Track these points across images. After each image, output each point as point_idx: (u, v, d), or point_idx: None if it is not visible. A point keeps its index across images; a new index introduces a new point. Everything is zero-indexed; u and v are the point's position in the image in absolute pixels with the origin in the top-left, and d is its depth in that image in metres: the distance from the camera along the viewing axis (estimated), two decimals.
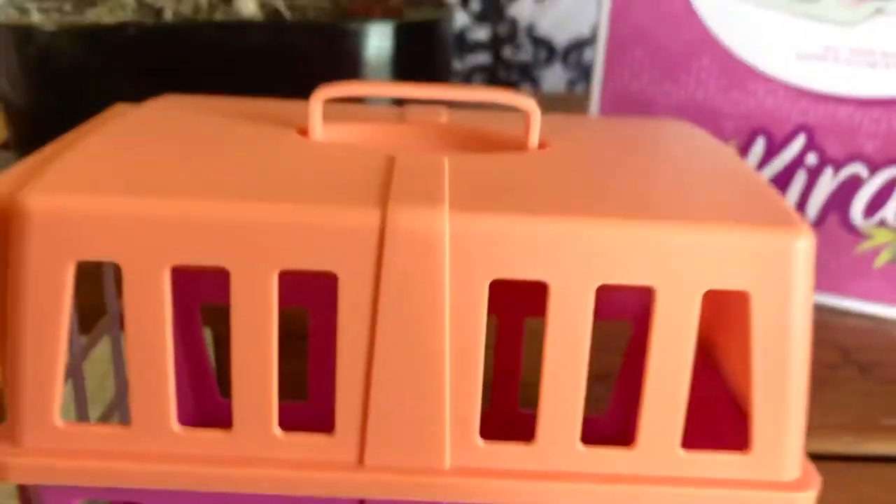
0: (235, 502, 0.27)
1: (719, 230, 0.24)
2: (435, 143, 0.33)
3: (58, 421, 0.26)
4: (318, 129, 0.31)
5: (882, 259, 0.56)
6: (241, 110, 0.34)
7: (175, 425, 0.26)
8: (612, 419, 0.40)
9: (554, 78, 1.03)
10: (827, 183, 0.56)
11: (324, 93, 0.30)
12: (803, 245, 0.25)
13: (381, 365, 0.25)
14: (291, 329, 0.41)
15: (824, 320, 0.57)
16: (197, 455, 0.26)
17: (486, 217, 0.24)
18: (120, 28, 0.62)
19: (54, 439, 0.26)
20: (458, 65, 1.01)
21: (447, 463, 0.26)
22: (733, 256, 0.24)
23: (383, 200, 0.25)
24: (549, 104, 0.41)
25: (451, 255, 0.24)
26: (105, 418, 0.34)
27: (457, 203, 0.25)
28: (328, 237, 0.24)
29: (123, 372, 0.36)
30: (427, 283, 0.24)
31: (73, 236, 0.24)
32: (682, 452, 0.26)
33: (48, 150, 0.28)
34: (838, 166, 0.55)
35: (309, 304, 0.39)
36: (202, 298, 0.40)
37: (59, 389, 0.25)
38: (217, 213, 0.24)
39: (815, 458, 0.42)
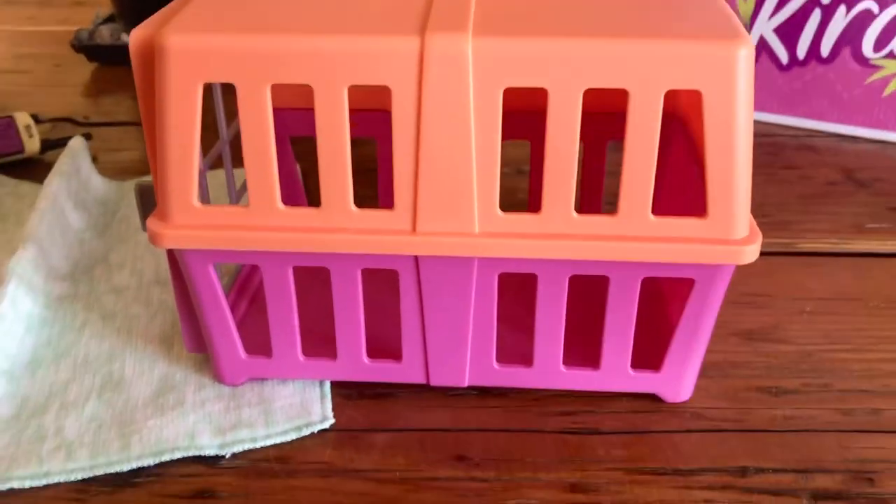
0: (323, 260, 0.37)
1: (677, 43, 0.32)
2: None
3: (196, 203, 0.36)
4: None
5: (891, 88, 0.62)
6: None
7: (280, 205, 0.35)
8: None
9: None
10: (840, 19, 0.61)
11: None
12: (744, 53, 0.32)
13: (425, 156, 0.34)
14: (362, 164, 0.51)
15: (833, 146, 0.63)
16: (295, 226, 0.36)
17: (498, 40, 0.32)
18: None
19: (193, 217, 0.36)
20: None
21: (476, 228, 0.35)
22: (688, 63, 0.32)
23: (422, 30, 0.33)
24: None
25: (474, 70, 0.33)
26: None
27: (478, 30, 0.33)
28: (382, 59, 0.33)
29: (232, 179, 0.46)
30: (456, 91, 0.33)
31: (199, 64, 0.33)
32: (652, 218, 0.34)
33: (175, 4, 0.37)
34: (851, 3, 0.60)
35: (377, 134, 0.48)
36: (291, 132, 0.49)
37: (195, 180, 0.35)
38: (303, 43, 0.33)
39: (802, 255, 0.51)
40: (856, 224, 0.54)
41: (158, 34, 0.33)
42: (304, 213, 0.36)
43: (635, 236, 0.35)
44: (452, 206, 0.35)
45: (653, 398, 0.40)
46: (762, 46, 0.64)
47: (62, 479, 0.37)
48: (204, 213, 0.36)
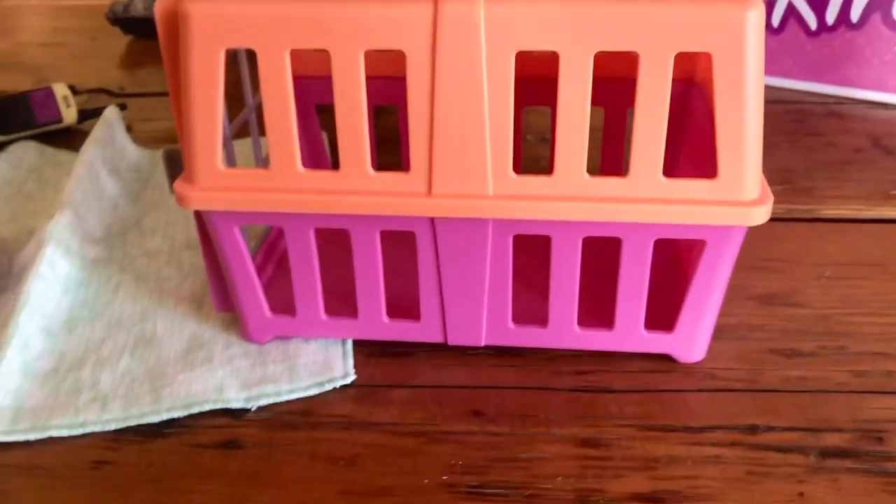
0: (342, 222, 0.38)
1: (685, 6, 0.32)
2: None
3: (220, 166, 0.37)
4: None
5: None
6: None
7: (300, 167, 0.37)
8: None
9: None
10: None
11: None
12: (754, 15, 0.32)
13: (439, 119, 0.35)
14: (390, 134, 0.52)
15: (861, 113, 0.63)
16: (315, 188, 0.37)
17: (509, 4, 0.33)
18: None
19: (217, 179, 0.37)
20: None
21: (490, 191, 0.36)
22: (697, 26, 0.32)
23: None
24: None
25: (486, 34, 0.33)
26: None
27: None
28: (396, 24, 0.34)
29: (259, 146, 0.47)
30: (469, 55, 0.34)
31: (219, 29, 0.34)
32: (663, 179, 0.35)
33: None
34: None
35: (398, 103, 0.49)
36: (315, 100, 0.50)
37: (220, 143, 0.37)
38: (319, 9, 0.34)
39: (825, 221, 0.51)
40: (880, 191, 0.54)
41: (181, 2, 0.35)
42: (323, 176, 0.37)
43: (646, 198, 0.35)
44: (467, 169, 0.36)
45: (666, 359, 0.41)
46: (790, 12, 0.64)
47: (97, 428, 0.39)
48: (228, 175, 0.37)
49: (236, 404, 0.40)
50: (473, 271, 0.39)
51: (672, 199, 0.35)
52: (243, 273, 0.41)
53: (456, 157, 0.35)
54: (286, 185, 0.37)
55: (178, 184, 0.38)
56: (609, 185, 0.35)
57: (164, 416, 0.39)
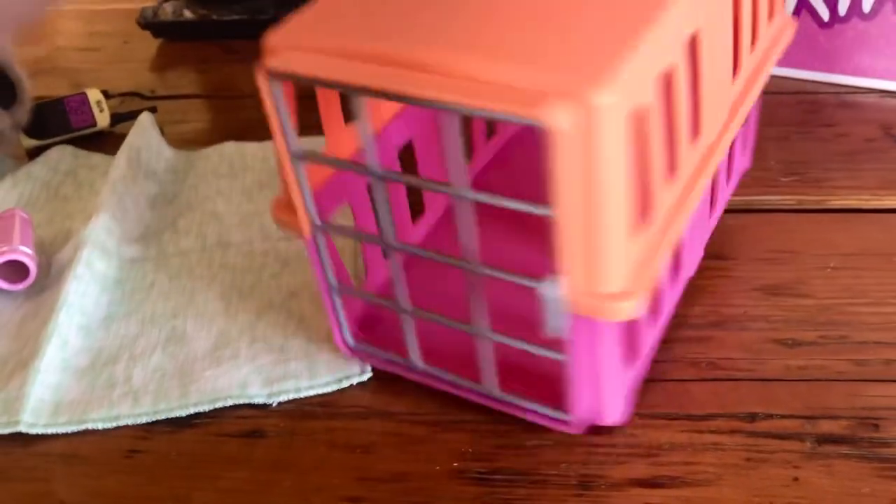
0: None
1: None
2: None
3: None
4: None
5: None
6: None
7: None
8: None
9: None
10: None
11: None
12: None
13: None
14: None
15: (875, 103, 0.63)
16: None
17: None
18: None
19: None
20: None
21: None
22: None
23: None
24: None
25: None
26: None
27: None
28: None
29: None
30: None
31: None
32: None
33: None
34: None
35: None
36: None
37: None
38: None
39: (832, 211, 0.52)
40: (890, 180, 0.55)
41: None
42: None
43: None
44: None
45: (669, 349, 0.43)
46: (802, 4, 0.64)
47: (129, 421, 0.41)
48: None
49: (258, 399, 0.42)
50: None
51: None
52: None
53: None
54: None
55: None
56: None
57: (191, 410, 0.42)
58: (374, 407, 0.41)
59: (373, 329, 0.44)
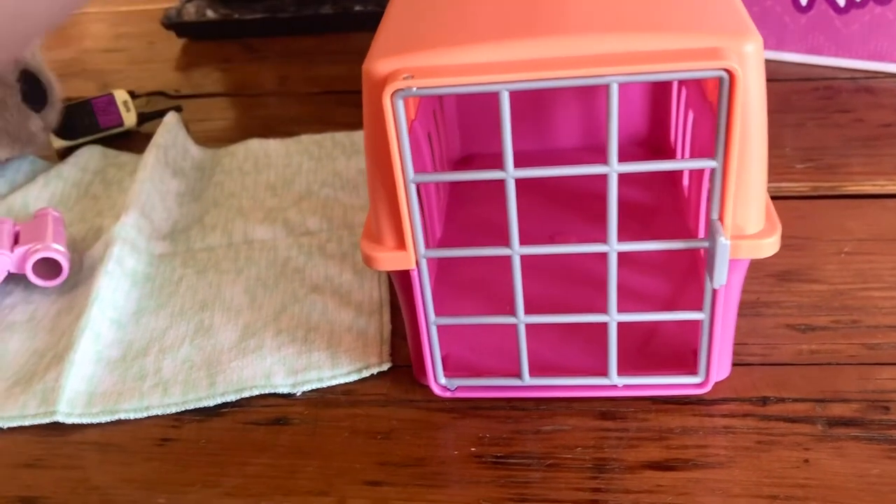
0: None
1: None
2: None
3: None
4: None
5: None
6: None
7: None
8: None
9: None
10: None
11: None
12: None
13: None
14: None
15: (891, 87, 0.64)
16: None
17: None
18: None
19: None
20: None
21: None
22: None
23: None
24: None
25: None
26: None
27: None
28: None
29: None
30: None
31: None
32: None
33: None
34: None
35: None
36: None
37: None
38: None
39: (847, 197, 0.52)
40: None
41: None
42: None
43: None
44: None
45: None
46: None
47: (160, 411, 0.43)
48: None
49: (283, 389, 0.44)
50: None
51: None
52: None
53: None
54: None
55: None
56: None
57: (219, 400, 0.43)
58: (393, 395, 0.43)
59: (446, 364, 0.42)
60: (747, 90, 0.33)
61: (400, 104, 0.34)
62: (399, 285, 0.39)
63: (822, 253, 0.49)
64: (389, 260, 0.38)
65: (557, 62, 0.33)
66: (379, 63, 0.34)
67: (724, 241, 0.35)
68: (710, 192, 0.35)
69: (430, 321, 0.39)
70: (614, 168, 0.34)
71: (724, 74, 0.32)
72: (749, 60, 0.33)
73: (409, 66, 0.34)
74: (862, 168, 0.55)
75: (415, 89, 0.33)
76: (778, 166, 0.56)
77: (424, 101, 0.47)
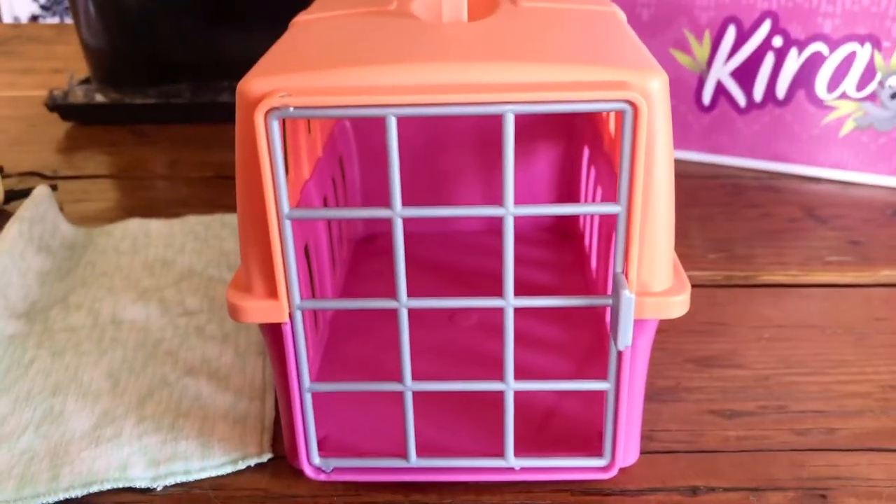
0: None
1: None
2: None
3: None
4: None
5: (847, 128, 0.62)
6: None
7: None
8: None
9: None
10: (793, 62, 0.62)
11: None
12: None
13: None
14: None
15: (795, 187, 0.64)
16: None
17: None
18: None
19: None
20: None
21: None
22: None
23: None
24: None
25: None
26: None
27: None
28: None
29: None
30: None
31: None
32: None
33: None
34: (802, 46, 0.61)
35: None
36: None
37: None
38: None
39: (763, 286, 0.50)
40: (816, 257, 0.54)
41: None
42: None
43: None
44: None
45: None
46: (720, 91, 0.65)
47: None
48: None
49: (141, 483, 0.37)
50: None
51: None
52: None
53: None
54: None
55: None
56: None
57: (62, 496, 0.36)
58: (273, 490, 0.36)
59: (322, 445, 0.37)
60: (653, 127, 0.30)
61: (275, 125, 0.29)
62: (269, 344, 0.34)
63: (742, 339, 0.46)
64: (258, 311, 0.32)
65: (451, 88, 0.29)
66: (254, 82, 0.30)
67: (628, 295, 0.31)
68: (615, 244, 0.32)
69: (304, 387, 0.33)
70: (510, 210, 0.30)
71: (628, 107, 0.29)
72: (655, 96, 0.30)
73: (288, 86, 0.30)
74: (774, 258, 0.54)
75: (292, 109, 0.29)
76: (689, 256, 0.54)
77: (322, 162, 0.44)
